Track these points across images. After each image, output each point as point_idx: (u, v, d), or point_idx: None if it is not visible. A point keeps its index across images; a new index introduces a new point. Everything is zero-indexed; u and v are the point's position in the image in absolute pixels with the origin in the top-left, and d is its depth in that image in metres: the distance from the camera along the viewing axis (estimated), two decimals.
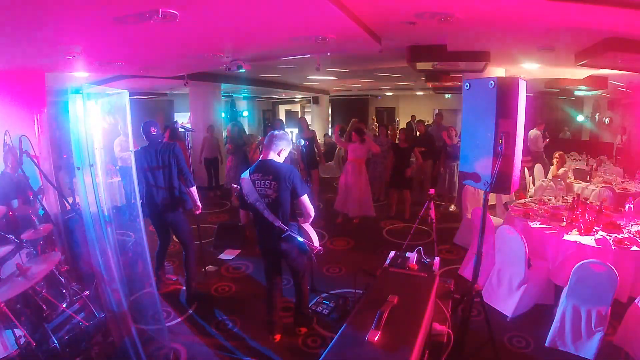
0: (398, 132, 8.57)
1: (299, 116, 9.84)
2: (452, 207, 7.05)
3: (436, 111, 15.47)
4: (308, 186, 4.42)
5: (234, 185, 3.16)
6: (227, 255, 5.09)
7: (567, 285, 3.08)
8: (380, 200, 7.70)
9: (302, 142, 6.16)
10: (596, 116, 12.88)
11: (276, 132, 3.09)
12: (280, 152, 3.03)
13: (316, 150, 7.37)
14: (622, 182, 6.58)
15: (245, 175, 3.01)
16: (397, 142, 7.08)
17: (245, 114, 16.36)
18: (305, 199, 3.00)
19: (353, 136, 6.19)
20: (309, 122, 10.94)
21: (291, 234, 2.93)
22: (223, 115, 10.85)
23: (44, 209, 3.83)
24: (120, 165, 6.33)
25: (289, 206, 2.98)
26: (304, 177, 6.08)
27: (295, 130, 8.22)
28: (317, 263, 3.02)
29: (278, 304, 3.34)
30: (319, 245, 3.09)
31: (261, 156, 3.05)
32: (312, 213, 3.09)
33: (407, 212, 6.55)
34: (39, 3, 2.34)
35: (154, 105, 13.07)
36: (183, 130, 4.42)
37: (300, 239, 2.98)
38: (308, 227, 3.12)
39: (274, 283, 3.29)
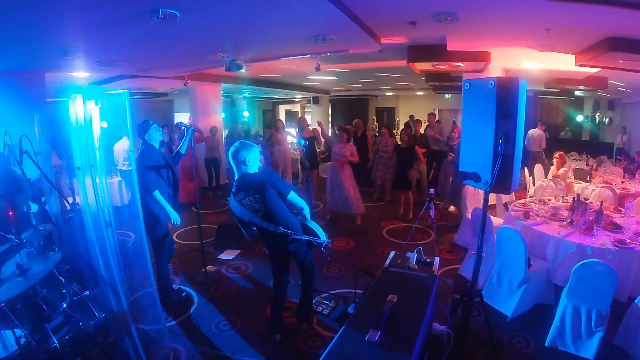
0: (399, 132, 8.58)
1: (299, 116, 9.91)
2: (452, 208, 7.04)
3: (436, 111, 15.49)
4: (308, 186, 4.42)
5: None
6: (227, 255, 5.10)
7: (567, 285, 3.08)
8: (382, 201, 7.70)
9: (302, 142, 6.17)
10: (596, 116, 12.89)
11: (232, 148, 3.00)
12: (246, 160, 2.93)
13: (317, 150, 7.38)
14: (622, 182, 6.58)
15: (231, 199, 2.99)
16: (399, 143, 7.09)
17: (246, 114, 16.35)
18: (292, 196, 3.01)
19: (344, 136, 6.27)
20: (309, 122, 10.93)
21: (295, 236, 2.93)
22: (223, 115, 10.84)
23: (44, 209, 3.82)
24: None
25: (284, 209, 2.98)
26: (304, 177, 6.08)
27: (296, 130, 8.24)
28: (325, 257, 3.01)
29: (282, 306, 3.37)
30: (327, 238, 3.09)
31: (236, 175, 3.01)
32: (305, 205, 3.12)
33: (410, 213, 6.53)
34: (39, 3, 2.34)
35: (154, 105, 13.06)
36: (184, 128, 4.29)
37: (306, 237, 2.99)
38: (311, 223, 3.14)
39: (280, 283, 3.30)
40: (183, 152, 4.07)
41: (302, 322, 3.45)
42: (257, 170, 3.01)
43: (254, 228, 3.08)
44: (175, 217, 3.75)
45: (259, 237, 3.15)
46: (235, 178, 3.02)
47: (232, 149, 2.98)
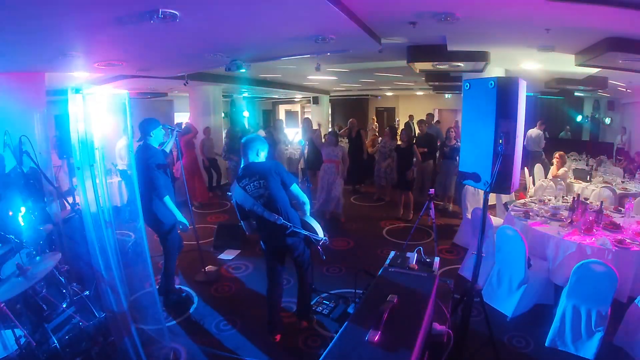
0: (400, 133, 8.61)
1: (304, 117, 10.03)
2: (451, 207, 7.05)
3: (436, 111, 15.53)
4: (308, 186, 4.43)
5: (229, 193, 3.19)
6: (227, 255, 5.09)
7: (567, 285, 3.08)
8: (382, 201, 7.70)
9: (302, 142, 6.19)
10: (596, 116, 12.90)
11: (246, 138, 3.14)
12: (259, 152, 3.08)
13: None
14: (622, 182, 6.58)
15: (234, 186, 3.04)
16: (399, 143, 7.10)
17: (246, 114, 16.31)
18: (295, 188, 3.09)
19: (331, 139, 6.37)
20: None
21: (294, 229, 2.96)
22: (223, 115, 10.84)
23: (44, 208, 3.82)
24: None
25: (286, 200, 3.04)
26: (304, 177, 6.09)
27: (299, 130, 8.27)
28: (321, 255, 3.04)
29: (279, 304, 3.36)
30: (324, 236, 3.11)
31: (242, 163, 3.10)
32: (306, 200, 3.18)
33: (410, 214, 6.53)
34: (39, 3, 2.34)
35: (154, 105, 13.05)
36: (170, 129, 4.19)
37: (304, 232, 3.02)
38: (310, 220, 3.16)
39: (275, 283, 3.30)
40: (168, 151, 4.15)
41: (302, 320, 3.46)
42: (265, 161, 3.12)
43: (254, 222, 3.12)
44: (184, 224, 3.76)
45: (257, 231, 3.17)
46: (241, 166, 3.09)
47: (247, 137, 3.12)
